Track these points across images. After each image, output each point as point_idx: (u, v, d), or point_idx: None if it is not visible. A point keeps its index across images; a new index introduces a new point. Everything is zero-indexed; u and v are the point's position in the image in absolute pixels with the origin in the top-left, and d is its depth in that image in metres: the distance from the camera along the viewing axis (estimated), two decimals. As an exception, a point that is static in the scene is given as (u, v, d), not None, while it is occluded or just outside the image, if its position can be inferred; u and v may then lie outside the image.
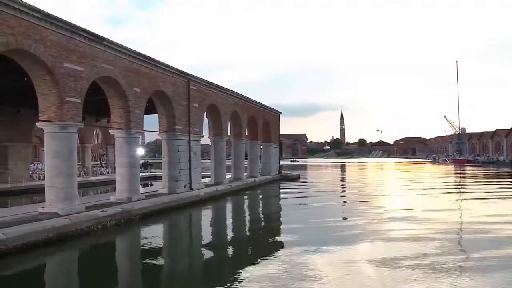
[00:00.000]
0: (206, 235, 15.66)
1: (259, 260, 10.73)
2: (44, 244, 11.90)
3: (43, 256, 11.57)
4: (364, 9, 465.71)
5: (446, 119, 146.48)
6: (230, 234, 15.82)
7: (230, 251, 12.93)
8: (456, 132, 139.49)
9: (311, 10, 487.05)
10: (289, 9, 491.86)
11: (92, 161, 42.63)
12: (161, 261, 11.67)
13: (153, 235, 15.41)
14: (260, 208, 23.71)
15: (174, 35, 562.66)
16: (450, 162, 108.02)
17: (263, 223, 18.05)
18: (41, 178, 27.80)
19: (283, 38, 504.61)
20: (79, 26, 15.17)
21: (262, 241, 13.92)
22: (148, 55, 19.69)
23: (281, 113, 45.12)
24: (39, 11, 13.37)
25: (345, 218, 17.77)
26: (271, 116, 41.84)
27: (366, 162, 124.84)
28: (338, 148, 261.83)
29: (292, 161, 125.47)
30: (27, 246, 11.37)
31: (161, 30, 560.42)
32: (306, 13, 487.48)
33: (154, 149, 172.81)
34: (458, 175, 53.18)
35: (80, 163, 35.72)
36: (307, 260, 10.36)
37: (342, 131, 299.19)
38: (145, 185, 29.02)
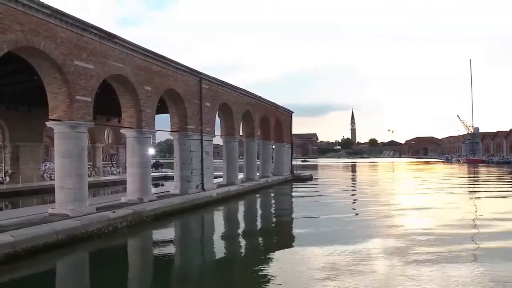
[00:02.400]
0: (220, 238, 15.19)
1: (275, 265, 10.30)
2: (54, 246, 11.58)
3: (53, 259, 11.22)
4: (375, 9, 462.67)
5: (459, 118, 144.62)
6: (244, 237, 15.31)
7: (244, 255, 12.46)
8: (469, 132, 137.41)
9: (324, 10, 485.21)
10: (302, 9, 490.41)
11: (102, 161, 42.53)
12: (173, 265, 11.29)
13: (165, 237, 15.05)
14: (274, 210, 23.16)
15: (185, 36, 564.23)
16: (463, 162, 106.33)
17: (277, 226, 17.52)
18: (52, 178, 27.65)
19: (295, 38, 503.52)
20: (89, 23, 14.83)
21: (278, 245, 13.40)
22: (159, 53, 19.33)
23: (293, 112, 44.54)
24: (48, 7, 13.04)
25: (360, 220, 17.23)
26: (283, 116, 41.32)
27: (377, 162, 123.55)
28: (349, 148, 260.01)
29: (303, 161, 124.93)
30: (36, 249, 11.05)
31: (173, 32, 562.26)
32: (318, 13, 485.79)
33: (164, 148, 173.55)
34: (473, 175, 52.13)
35: (91, 163, 35.61)
36: (324, 266, 9.86)
37: (353, 130, 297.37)
38: (156, 185, 28.78)
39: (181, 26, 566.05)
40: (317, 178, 45.04)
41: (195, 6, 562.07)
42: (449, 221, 16.36)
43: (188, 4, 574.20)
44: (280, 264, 10.43)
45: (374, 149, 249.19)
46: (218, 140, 28.46)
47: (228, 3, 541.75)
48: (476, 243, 12.32)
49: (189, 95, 22.25)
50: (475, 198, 26.00)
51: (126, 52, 17.08)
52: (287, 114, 42.99)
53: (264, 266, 10.22)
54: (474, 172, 59.26)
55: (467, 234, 13.79)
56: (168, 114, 22.89)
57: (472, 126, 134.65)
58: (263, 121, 35.44)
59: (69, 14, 13.90)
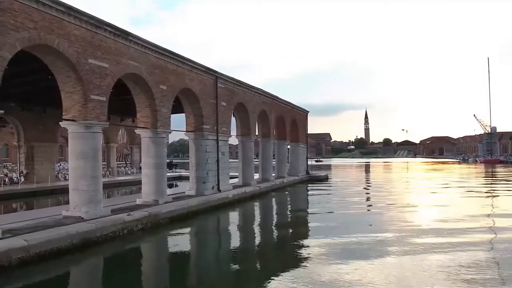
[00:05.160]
0: (238, 241, 14.73)
1: (293, 271, 9.80)
2: (68, 250, 11.24)
3: (67, 264, 10.89)
4: (390, 7, 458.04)
5: (476, 117, 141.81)
6: (262, 240, 14.83)
7: (262, 260, 11.93)
8: (486, 131, 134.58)
9: (337, 9, 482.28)
10: (315, 8, 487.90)
11: (116, 161, 42.44)
12: (191, 270, 10.86)
13: (182, 241, 14.61)
14: (292, 212, 22.51)
15: (197, 35, 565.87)
16: (480, 163, 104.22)
17: (295, 229, 16.84)
18: (67, 178, 27.45)
19: (307, 37, 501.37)
20: (104, 21, 14.48)
21: (296, 250, 12.76)
22: (174, 51, 18.91)
23: (308, 112, 43.89)
24: (62, 4, 12.72)
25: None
26: (299, 115, 40.71)
27: (391, 162, 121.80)
28: (363, 148, 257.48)
29: (316, 161, 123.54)
30: (50, 253, 10.72)
31: (184, 31, 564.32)
32: (332, 12, 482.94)
33: (177, 148, 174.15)
34: (491, 175, 50.86)
35: (105, 163, 35.48)
36: (338, 273, 9.30)
37: (367, 130, 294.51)
38: (170, 186, 28.43)
39: (191, 26, 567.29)
40: (333, 179, 44.36)
41: (205, 6, 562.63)
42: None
43: (197, 3, 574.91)
44: (296, 272, 9.89)
45: (388, 149, 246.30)
46: (233, 140, 28.03)
47: (238, 1, 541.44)
48: None
49: (205, 94, 21.81)
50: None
51: (141, 51, 16.70)
52: (302, 114, 42.36)
53: (280, 272, 9.75)
54: (492, 172, 57.84)
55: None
56: (182, 114, 22.48)
57: (490, 126, 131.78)
58: (279, 121, 34.90)
59: (83, 11, 13.56)
